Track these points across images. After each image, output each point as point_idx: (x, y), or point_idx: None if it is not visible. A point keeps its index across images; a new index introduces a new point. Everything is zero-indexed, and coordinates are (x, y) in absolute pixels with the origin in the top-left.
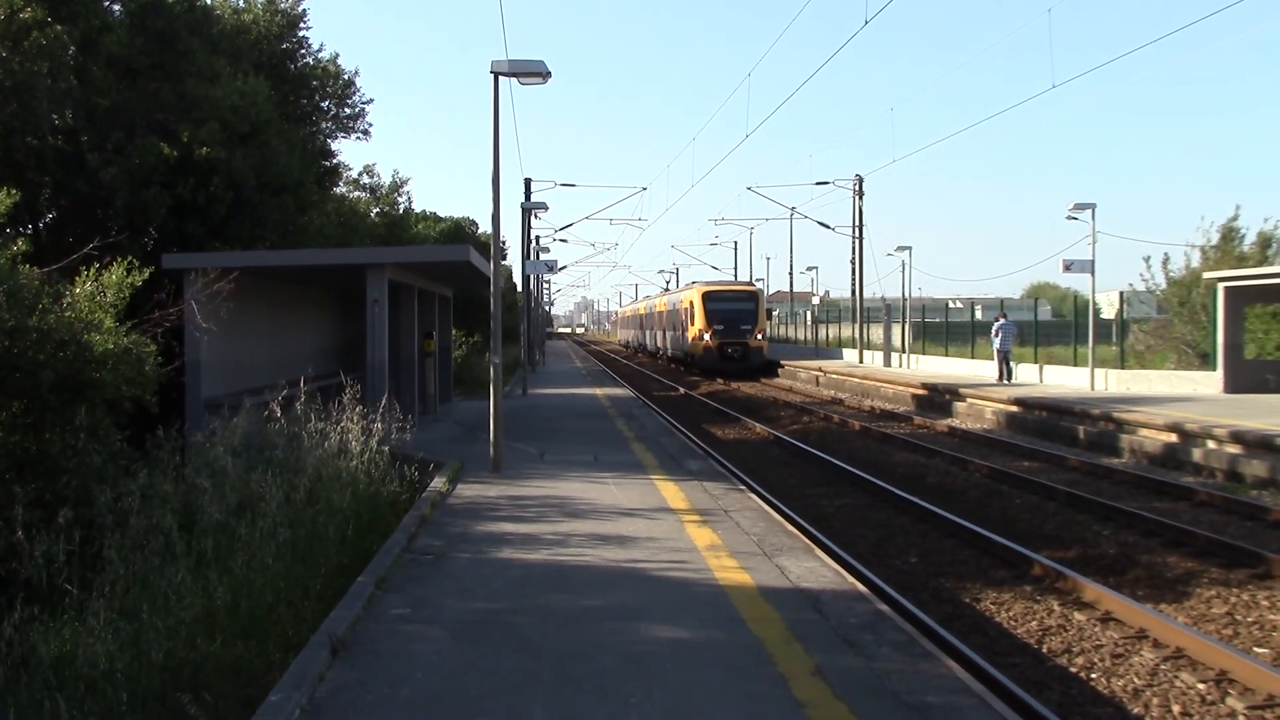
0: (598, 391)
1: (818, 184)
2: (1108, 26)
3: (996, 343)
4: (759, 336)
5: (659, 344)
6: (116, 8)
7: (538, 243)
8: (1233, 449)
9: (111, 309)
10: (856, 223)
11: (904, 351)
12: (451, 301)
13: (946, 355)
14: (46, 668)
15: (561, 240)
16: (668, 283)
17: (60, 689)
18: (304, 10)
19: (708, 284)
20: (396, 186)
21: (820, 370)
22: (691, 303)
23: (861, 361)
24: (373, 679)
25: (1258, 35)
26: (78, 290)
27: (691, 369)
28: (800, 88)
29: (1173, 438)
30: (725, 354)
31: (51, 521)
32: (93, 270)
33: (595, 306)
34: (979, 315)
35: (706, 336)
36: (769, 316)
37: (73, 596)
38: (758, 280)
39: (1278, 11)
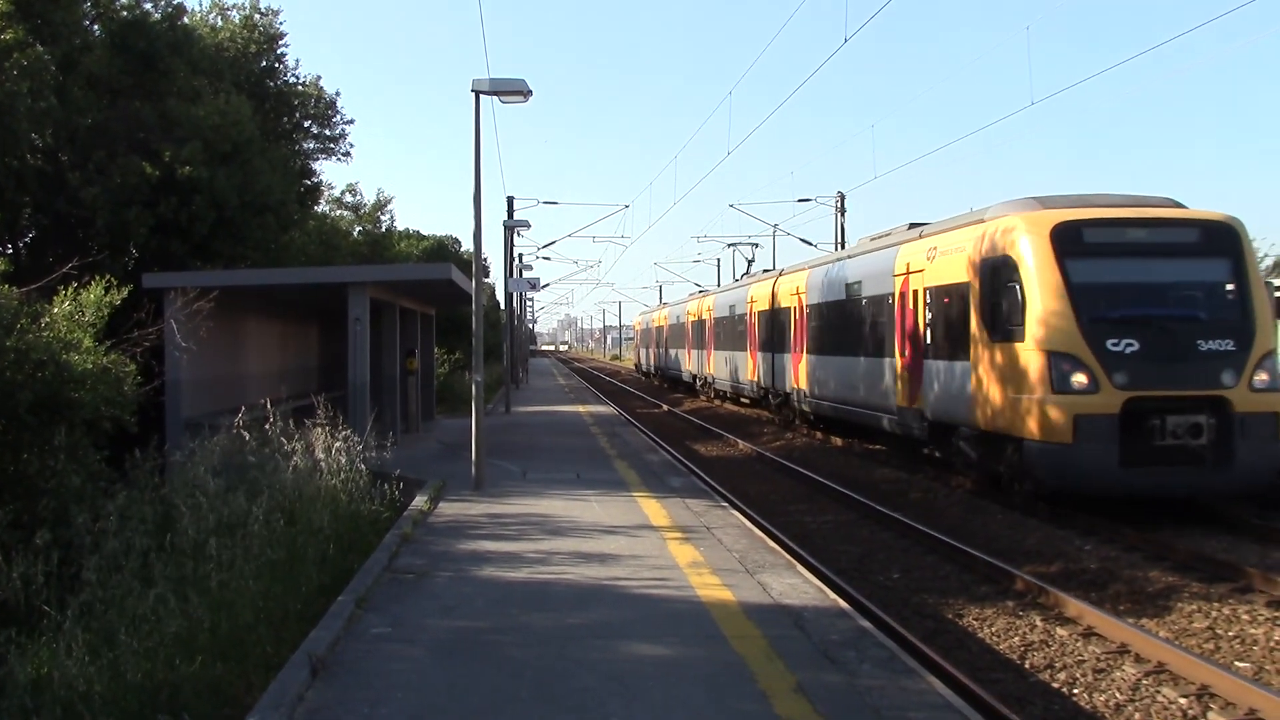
0: (581, 409)
1: (800, 201)
2: (1085, 44)
3: None
4: (1263, 376)
5: (807, 384)
6: (97, 28)
7: (520, 260)
8: None
9: (90, 328)
10: (839, 240)
11: None
12: (434, 320)
13: None
14: (23, 690)
15: (544, 258)
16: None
17: (37, 712)
18: (281, 26)
19: (1052, 205)
20: (380, 206)
21: None
22: (1001, 268)
23: None
24: (352, 699)
25: (1239, 50)
26: (56, 310)
27: (966, 468)
28: (780, 105)
29: None
30: (1151, 441)
31: (29, 543)
32: (71, 289)
33: (579, 324)
34: None
35: (1076, 377)
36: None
37: (50, 618)
38: None
39: (1260, 27)
